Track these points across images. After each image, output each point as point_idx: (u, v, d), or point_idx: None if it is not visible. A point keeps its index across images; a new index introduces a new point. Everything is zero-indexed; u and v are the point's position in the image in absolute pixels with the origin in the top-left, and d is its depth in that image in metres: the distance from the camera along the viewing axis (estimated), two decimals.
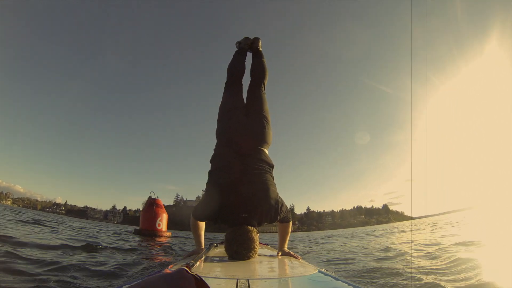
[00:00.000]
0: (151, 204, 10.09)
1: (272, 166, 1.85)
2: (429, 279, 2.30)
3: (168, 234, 10.05)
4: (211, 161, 1.85)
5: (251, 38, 2.31)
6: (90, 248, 4.01)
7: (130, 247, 4.77)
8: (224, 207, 1.64)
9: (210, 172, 1.81)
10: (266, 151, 1.91)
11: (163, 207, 10.33)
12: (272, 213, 1.67)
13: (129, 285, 0.80)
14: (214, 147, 1.92)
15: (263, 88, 2.17)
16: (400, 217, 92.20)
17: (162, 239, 8.33)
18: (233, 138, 1.85)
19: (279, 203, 1.70)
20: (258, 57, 2.30)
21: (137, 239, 7.28)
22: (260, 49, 2.32)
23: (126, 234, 9.00)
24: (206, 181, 1.81)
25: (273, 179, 1.81)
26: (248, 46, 2.31)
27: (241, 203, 1.62)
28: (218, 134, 1.95)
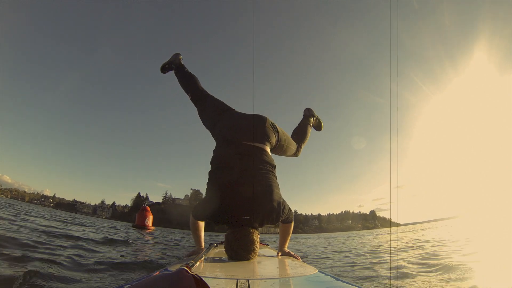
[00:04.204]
0: (143, 209, 18.01)
1: (274, 166, 1.75)
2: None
3: (152, 228, 17.32)
4: (211, 162, 1.75)
5: (179, 56, 2.37)
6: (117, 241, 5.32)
7: (141, 237, 8.23)
8: (225, 207, 1.56)
9: (210, 173, 1.72)
10: (268, 150, 1.81)
11: (150, 211, 17.99)
12: (274, 215, 1.61)
13: (129, 285, 0.78)
14: (213, 149, 1.82)
15: (300, 148, 2.26)
16: (387, 223, 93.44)
17: (149, 230, 14.87)
18: (231, 137, 1.76)
19: (281, 205, 1.63)
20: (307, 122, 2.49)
21: (135, 231, 12.45)
22: (316, 115, 2.57)
23: (128, 228, 13.83)
24: (203, 181, 1.74)
25: (276, 179, 1.72)
26: (179, 61, 2.34)
27: (242, 204, 1.54)
28: (216, 136, 1.88)
